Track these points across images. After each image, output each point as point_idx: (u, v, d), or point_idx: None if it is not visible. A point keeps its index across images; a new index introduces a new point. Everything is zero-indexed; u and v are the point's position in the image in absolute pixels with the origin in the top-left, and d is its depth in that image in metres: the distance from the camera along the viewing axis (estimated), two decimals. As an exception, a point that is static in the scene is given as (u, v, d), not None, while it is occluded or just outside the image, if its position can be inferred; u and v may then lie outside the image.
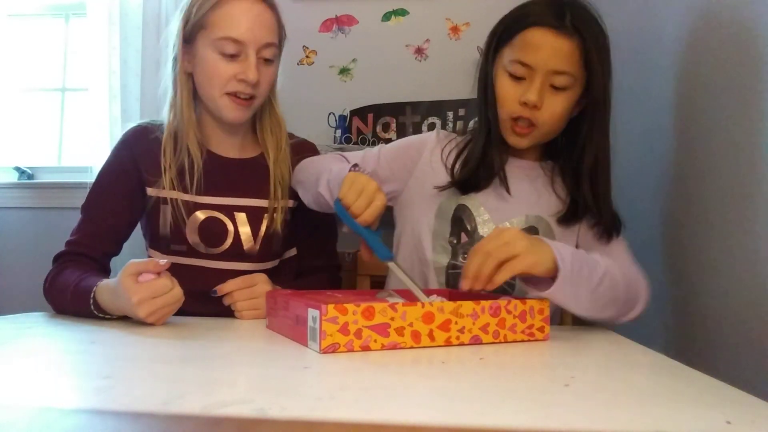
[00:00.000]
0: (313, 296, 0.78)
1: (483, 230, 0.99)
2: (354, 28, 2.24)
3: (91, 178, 2.08)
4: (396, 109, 2.10)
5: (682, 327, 1.10)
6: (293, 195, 1.10)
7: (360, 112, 2.08)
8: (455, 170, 1.01)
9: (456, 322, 0.70)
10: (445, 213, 1.02)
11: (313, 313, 0.65)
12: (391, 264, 0.81)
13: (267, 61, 1.03)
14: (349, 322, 0.65)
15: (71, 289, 0.92)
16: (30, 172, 2.31)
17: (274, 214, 1.08)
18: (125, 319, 0.94)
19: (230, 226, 1.07)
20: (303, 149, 1.16)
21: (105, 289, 0.86)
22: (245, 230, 1.07)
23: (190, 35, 1.02)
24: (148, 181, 1.06)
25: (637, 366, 0.63)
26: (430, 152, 1.06)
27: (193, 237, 1.05)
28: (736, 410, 0.45)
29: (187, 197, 1.05)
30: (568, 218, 0.98)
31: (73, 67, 2.42)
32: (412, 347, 0.67)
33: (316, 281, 1.13)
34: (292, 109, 1.25)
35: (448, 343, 0.70)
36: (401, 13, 2.16)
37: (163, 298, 0.80)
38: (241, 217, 1.07)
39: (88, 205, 1.07)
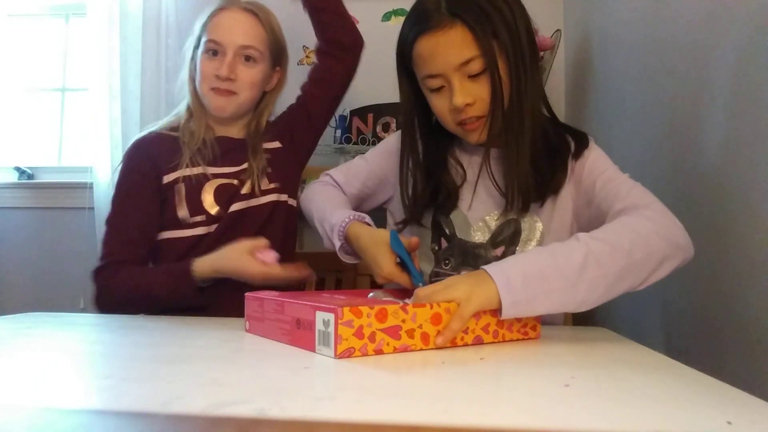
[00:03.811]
0: (309, 298, 0.75)
1: (461, 233, 0.97)
2: (354, 28, 2.24)
3: (91, 178, 2.09)
4: (396, 109, 2.10)
5: (683, 327, 1.10)
6: (272, 137, 1.27)
7: (360, 112, 2.08)
8: (421, 194, 0.99)
9: None
10: (425, 220, 1.01)
11: (325, 316, 0.63)
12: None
13: (248, 60, 1.19)
14: (364, 325, 0.62)
15: (159, 273, 1.09)
16: (30, 172, 2.31)
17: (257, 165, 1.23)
18: (125, 319, 0.94)
19: (240, 186, 1.20)
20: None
21: (206, 261, 1.06)
22: (250, 181, 1.21)
23: (196, 45, 1.22)
24: (163, 171, 1.17)
25: (637, 366, 0.63)
26: None
27: (208, 199, 1.17)
28: (736, 410, 0.45)
29: (202, 170, 1.18)
30: (527, 189, 0.92)
31: (73, 67, 2.42)
32: (421, 349, 0.67)
33: None
34: (292, 109, 1.26)
35: (453, 344, 0.69)
36: (401, 13, 2.16)
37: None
38: (245, 178, 1.21)
39: (115, 216, 1.16)
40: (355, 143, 2.03)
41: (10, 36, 2.40)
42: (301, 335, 0.67)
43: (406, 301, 0.77)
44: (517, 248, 0.95)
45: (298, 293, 0.88)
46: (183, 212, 1.16)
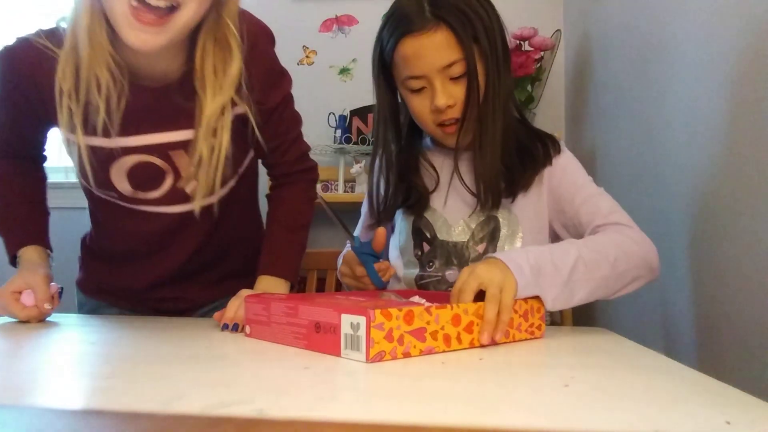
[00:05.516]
0: (324, 301, 0.72)
1: (442, 235, 0.99)
2: (354, 28, 2.24)
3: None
4: (396, 109, 2.10)
5: (683, 327, 1.10)
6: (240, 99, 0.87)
7: (360, 112, 2.08)
8: (391, 197, 1.03)
9: (478, 324, 0.69)
10: (406, 228, 1.03)
11: (355, 319, 0.60)
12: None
13: None
14: (393, 327, 0.61)
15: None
16: (30, 172, 2.31)
17: (217, 137, 0.86)
18: (125, 319, 0.95)
19: (166, 167, 0.90)
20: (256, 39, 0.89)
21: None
22: (186, 168, 0.90)
23: None
24: (53, 118, 0.88)
25: (637, 366, 0.63)
26: None
27: (122, 185, 0.91)
28: (735, 410, 0.45)
29: (103, 142, 0.86)
30: (497, 188, 0.95)
31: (73, 67, 2.42)
32: (444, 351, 0.66)
33: (299, 195, 1.03)
34: (292, 109, 1.26)
35: (471, 345, 0.69)
36: (401, 13, 2.16)
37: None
38: (179, 154, 0.89)
39: None
40: (355, 143, 2.03)
41: (10, 36, 2.40)
42: (320, 339, 0.65)
43: (415, 298, 0.77)
44: (498, 244, 0.97)
45: (308, 295, 0.87)
46: (87, 181, 0.91)
